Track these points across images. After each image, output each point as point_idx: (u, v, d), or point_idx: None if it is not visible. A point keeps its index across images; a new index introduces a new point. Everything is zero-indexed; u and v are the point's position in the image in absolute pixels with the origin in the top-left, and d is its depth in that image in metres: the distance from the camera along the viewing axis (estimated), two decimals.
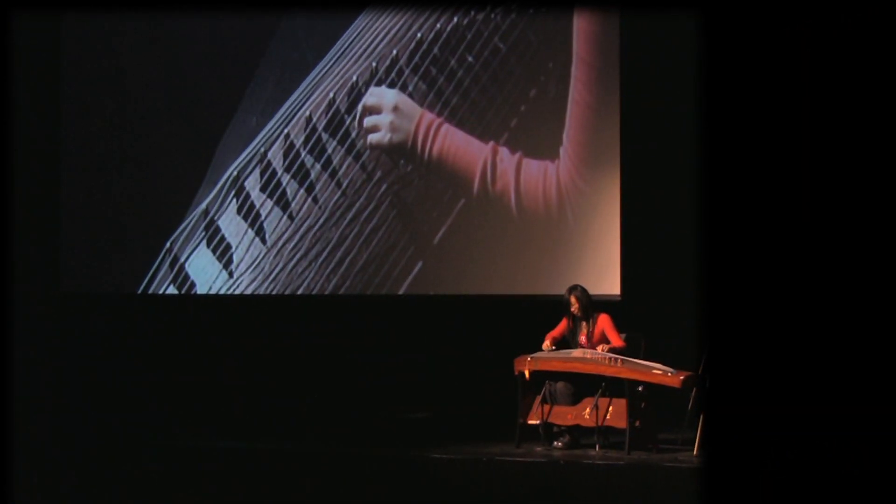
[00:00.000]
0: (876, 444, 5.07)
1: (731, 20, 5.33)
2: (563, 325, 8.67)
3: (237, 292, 11.23)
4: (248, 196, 11.23)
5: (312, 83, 11.03)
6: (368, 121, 10.76)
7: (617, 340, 8.49)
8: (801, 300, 5.24)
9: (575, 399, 8.43)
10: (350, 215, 10.85)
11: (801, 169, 5.24)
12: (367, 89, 10.82)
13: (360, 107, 10.82)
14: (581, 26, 10.10)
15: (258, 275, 11.16)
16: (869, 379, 5.12)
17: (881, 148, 5.18)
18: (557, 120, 10.13)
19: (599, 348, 8.43)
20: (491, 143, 10.33)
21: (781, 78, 5.26)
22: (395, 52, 10.72)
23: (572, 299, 8.63)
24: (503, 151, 10.31)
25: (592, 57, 10.04)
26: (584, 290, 8.66)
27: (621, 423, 8.25)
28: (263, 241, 11.16)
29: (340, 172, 10.88)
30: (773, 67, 5.27)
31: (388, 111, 10.70)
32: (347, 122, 10.88)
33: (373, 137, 10.74)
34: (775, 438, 5.16)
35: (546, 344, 8.54)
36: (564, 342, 8.65)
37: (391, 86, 10.73)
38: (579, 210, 10.08)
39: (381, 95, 10.75)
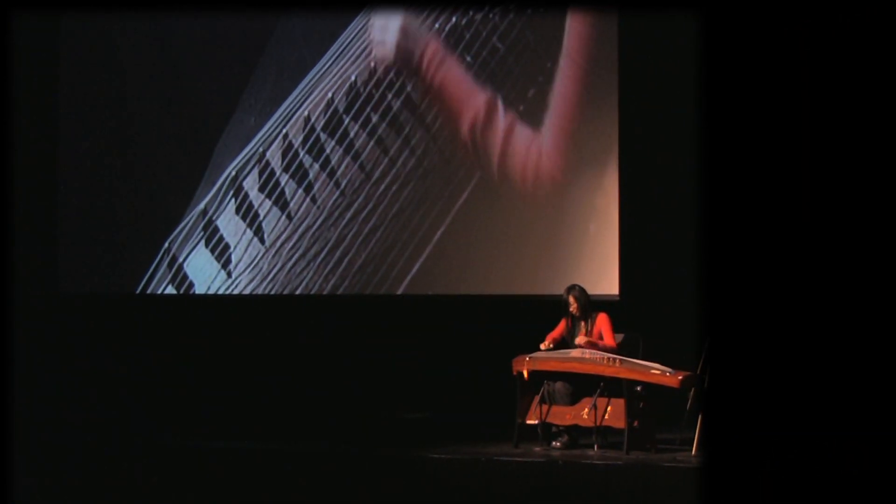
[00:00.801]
0: (876, 444, 5.07)
1: (731, 20, 5.34)
2: (562, 326, 8.67)
3: (236, 292, 11.23)
4: (246, 196, 11.22)
5: (311, 83, 11.02)
6: (377, 37, 10.69)
7: (609, 340, 8.49)
8: (801, 300, 5.24)
9: (573, 399, 8.42)
10: (349, 215, 10.85)
11: (800, 169, 5.25)
12: (365, 89, 10.82)
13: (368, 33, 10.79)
14: (578, 29, 10.09)
15: (257, 275, 11.16)
16: (868, 379, 5.13)
17: (881, 148, 5.19)
18: (556, 119, 10.12)
19: (579, 339, 8.42)
20: (489, 91, 10.33)
21: (781, 78, 5.27)
22: None
23: (571, 299, 8.63)
24: (499, 105, 10.31)
25: (589, 60, 10.04)
26: (582, 290, 8.66)
27: (620, 423, 8.24)
28: (262, 240, 11.15)
29: (339, 172, 10.88)
30: (772, 67, 5.28)
31: (395, 31, 10.62)
32: (346, 122, 10.88)
33: (379, 51, 10.67)
34: (775, 438, 5.17)
35: (545, 344, 8.54)
36: (563, 343, 8.64)
37: (389, 86, 10.72)
38: (578, 210, 10.08)
39: (388, 18, 10.71)
